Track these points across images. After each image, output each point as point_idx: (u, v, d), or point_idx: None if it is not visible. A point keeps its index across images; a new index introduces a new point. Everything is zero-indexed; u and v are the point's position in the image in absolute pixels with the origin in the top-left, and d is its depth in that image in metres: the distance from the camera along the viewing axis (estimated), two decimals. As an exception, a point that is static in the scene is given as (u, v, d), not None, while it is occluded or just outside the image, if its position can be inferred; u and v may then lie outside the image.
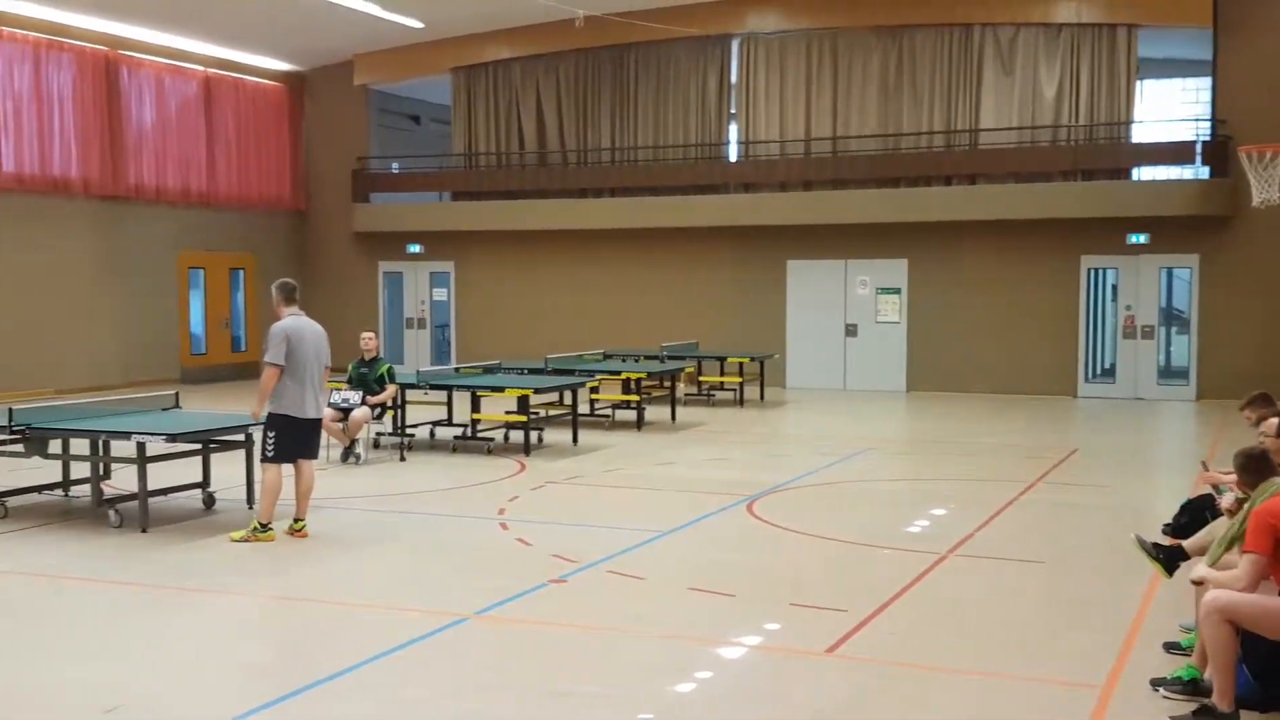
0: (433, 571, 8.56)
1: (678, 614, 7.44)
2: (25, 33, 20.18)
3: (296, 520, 9.42)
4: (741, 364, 20.01)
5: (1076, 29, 20.72)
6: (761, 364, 20.18)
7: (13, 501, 10.47)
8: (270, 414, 9.22)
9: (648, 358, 19.45)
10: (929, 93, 21.69)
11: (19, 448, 10.16)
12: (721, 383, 19.91)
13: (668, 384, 17.99)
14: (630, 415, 16.78)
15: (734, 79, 23.27)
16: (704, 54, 23.28)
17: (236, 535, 9.23)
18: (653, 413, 17.36)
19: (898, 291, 21.90)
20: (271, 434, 9.19)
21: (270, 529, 9.17)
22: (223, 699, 5.91)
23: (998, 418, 18.04)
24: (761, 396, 20.11)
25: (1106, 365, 21.63)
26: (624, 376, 17.01)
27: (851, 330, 22.26)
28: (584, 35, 21.91)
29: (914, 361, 21.82)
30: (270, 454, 9.20)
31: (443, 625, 7.06)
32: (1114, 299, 21.14)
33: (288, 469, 9.37)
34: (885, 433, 16.97)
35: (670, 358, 19.17)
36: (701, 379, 20.13)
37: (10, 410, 10.02)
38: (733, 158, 23.52)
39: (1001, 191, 20.86)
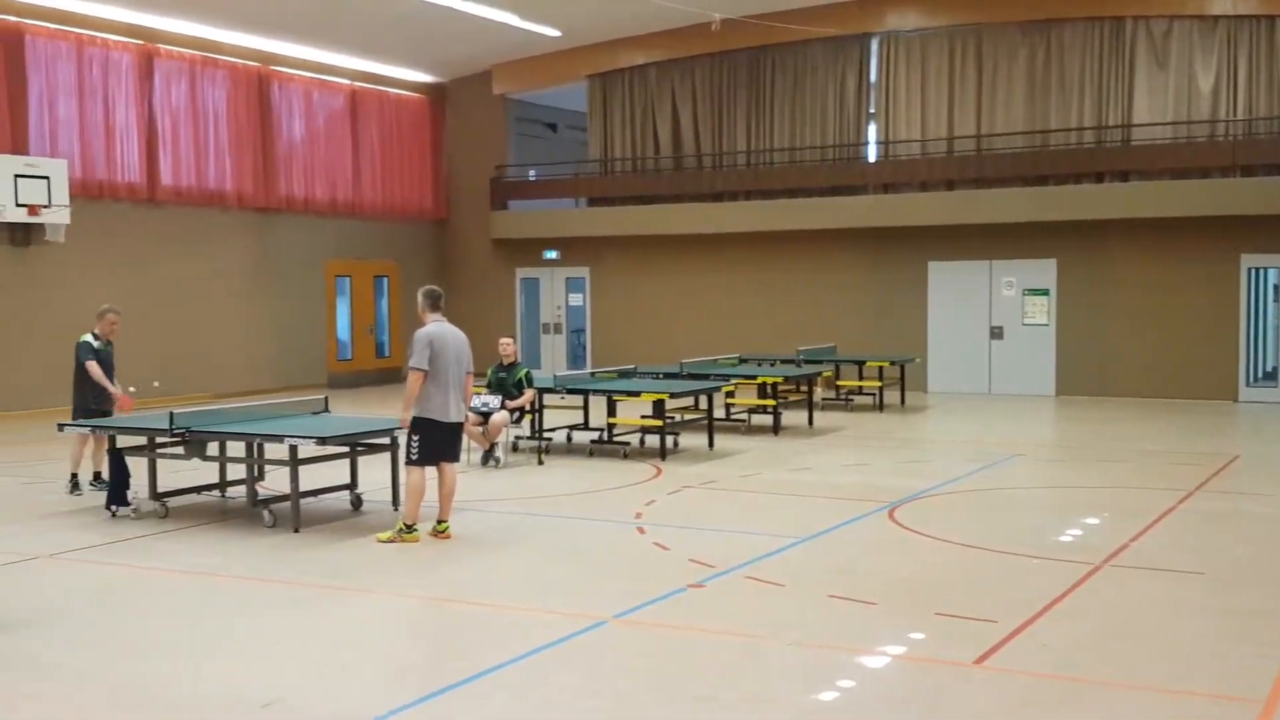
0: (571, 574, 8.60)
1: (819, 621, 7.33)
2: (182, 50, 21.01)
3: (440, 522, 9.56)
4: (881, 368, 19.71)
5: (1233, 21, 19.90)
6: (902, 368, 19.84)
7: (173, 502, 10.89)
8: (414, 418, 9.38)
9: (784, 361, 19.29)
10: (1078, 88, 21.08)
11: (179, 450, 10.56)
12: (860, 387, 19.63)
13: (804, 388, 17.81)
14: (766, 420, 16.66)
15: (873, 78, 22.97)
16: (842, 54, 23.03)
17: (383, 536, 9.43)
18: (789, 417, 17.21)
19: (1046, 293, 21.31)
20: (415, 437, 9.36)
21: (415, 530, 9.33)
22: (370, 696, 6.02)
23: (1152, 423, 17.40)
24: (902, 401, 19.78)
25: (1269, 369, 20.70)
26: (760, 381, 16.90)
27: (997, 333, 21.74)
28: (720, 38, 21.88)
29: (1063, 365, 21.20)
30: (414, 457, 9.37)
31: (582, 628, 7.09)
32: (1276, 299, 20.21)
33: (431, 471, 9.52)
34: (1033, 438, 16.50)
35: (807, 361, 18.98)
36: (839, 383, 19.88)
37: (172, 414, 10.41)
38: (872, 158, 23.20)
39: (1157, 189, 20.13)
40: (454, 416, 9.48)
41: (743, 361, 19.39)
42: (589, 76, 25.19)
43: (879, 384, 19.40)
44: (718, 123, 24.31)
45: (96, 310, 11.94)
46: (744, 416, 16.98)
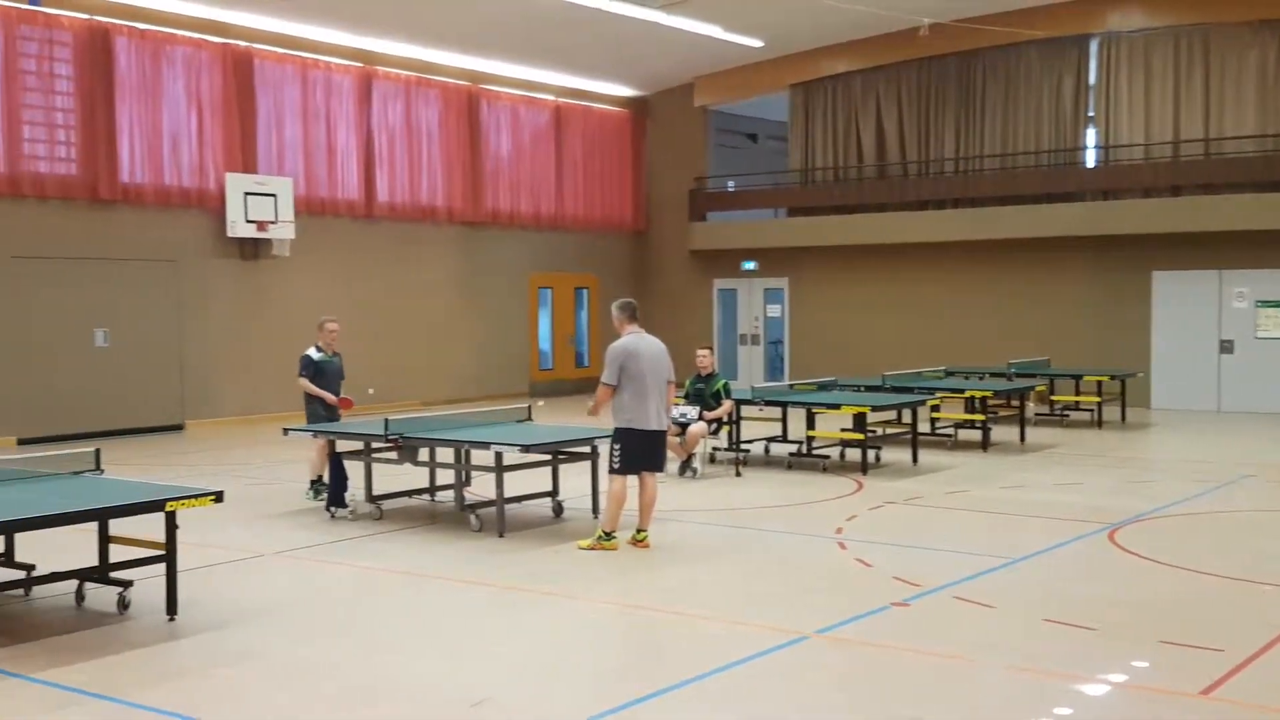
0: (770, 587, 8.52)
1: (1032, 646, 7.05)
2: (398, 72, 21.85)
3: (639, 531, 9.61)
4: (1100, 382, 18.86)
5: None
6: (1123, 382, 18.95)
7: (387, 504, 11.30)
8: (616, 427, 9.45)
9: (993, 375, 18.72)
10: (1313, 88, 19.83)
11: (393, 455, 10.94)
12: (1077, 402, 18.88)
13: (1016, 403, 17.23)
14: (974, 435, 16.18)
15: (1092, 81, 22.12)
16: (1058, 56, 22.26)
17: (584, 543, 9.53)
18: (999, 433, 16.67)
19: (1281, 305, 20.12)
20: (617, 446, 9.41)
21: (614, 537, 9.41)
22: (575, 699, 6.09)
23: (1397, 444, 16.16)
24: (1123, 418, 18.91)
25: None
26: (968, 395, 16.43)
27: (1227, 347, 20.59)
28: (927, 44, 21.43)
29: (1302, 381, 19.92)
30: (616, 465, 9.42)
31: (783, 642, 7.00)
32: None
33: (632, 480, 9.58)
34: (1269, 458, 15.43)
35: (1019, 375, 18.36)
36: (1054, 398, 19.15)
37: (386, 421, 10.80)
38: (1089, 163, 22.34)
39: None
40: (654, 425, 9.44)
41: (949, 374, 18.90)
42: (791, 86, 25.05)
43: (1097, 399, 18.60)
44: (924, 130, 23.83)
45: (316, 321, 12.42)
46: (950, 431, 16.53)
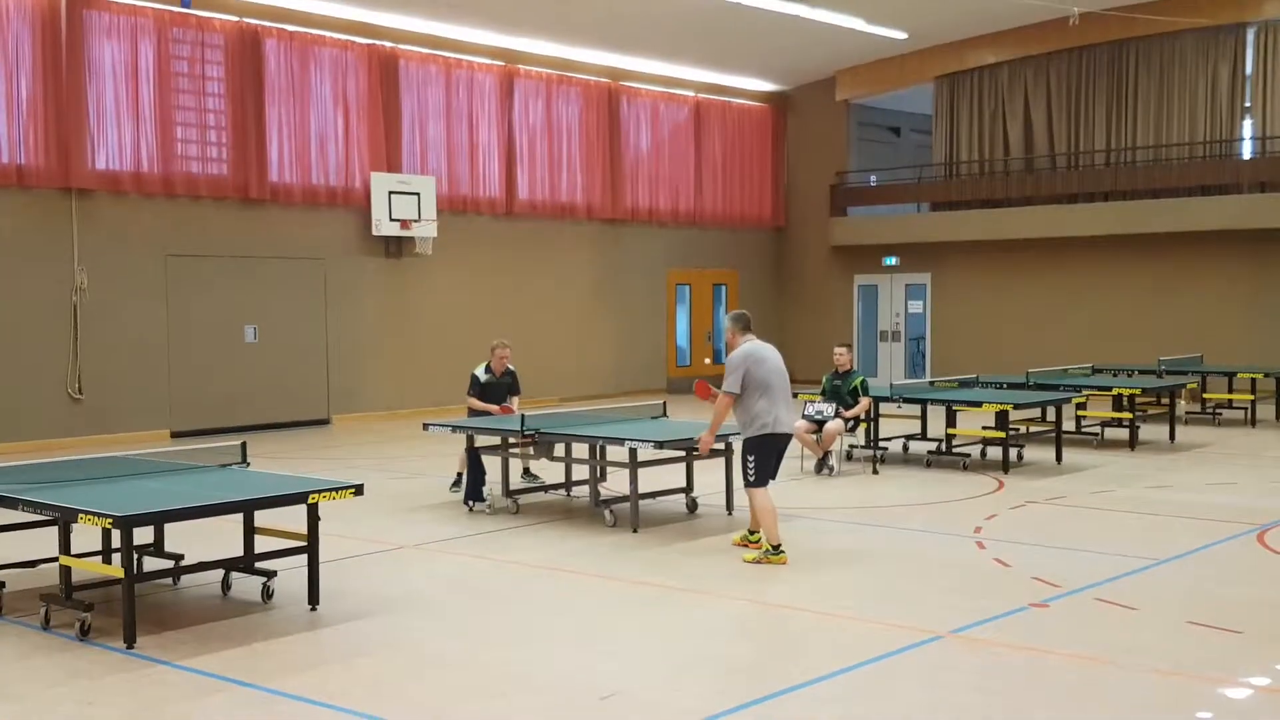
0: (905, 586, 8.38)
1: (1175, 649, 6.80)
2: (540, 70, 22.12)
3: (752, 532, 9.41)
4: (1254, 380, 18.10)
5: None
6: (1278, 380, 18.14)
7: (524, 499, 11.46)
8: (747, 439, 9.13)
9: (1142, 372, 18.09)
10: None
11: (530, 450, 11.09)
12: (1230, 400, 18.13)
13: (1166, 401, 16.62)
14: (1122, 434, 15.66)
15: (1249, 70, 21.21)
16: (1214, 45, 21.42)
17: (749, 557, 9.08)
18: (1148, 432, 16.12)
19: None
20: (751, 458, 9.05)
21: (781, 551, 8.95)
22: (705, 695, 6.08)
23: None
24: (1277, 416, 18.09)
25: None
26: (1115, 392, 15.91)
27: (1391, 343, 19.53)
28: (1078, 33, 20.86)
29: None
30: (752, 479, 9.03)
31: (916, 642, 6.89)
32: None
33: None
34: None
35: (1169, 372, 17.71)
36: (1206, 396, 18.42)
37: (523, 416, 10.96)
38: (1246, 155, 21.42)
39: None
40: (784, 428, 9.14)
41: (1096, 372, 18.33)
42: (936, 78, 24.60)
43: (1251, 397, 17.83)
44: (1074, 122, 23.16)
45: (486, 342, 12.68)
46: (1096, 430, 16.04)
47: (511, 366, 12.46)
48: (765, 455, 9.08)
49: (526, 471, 12.44)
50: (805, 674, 6.39)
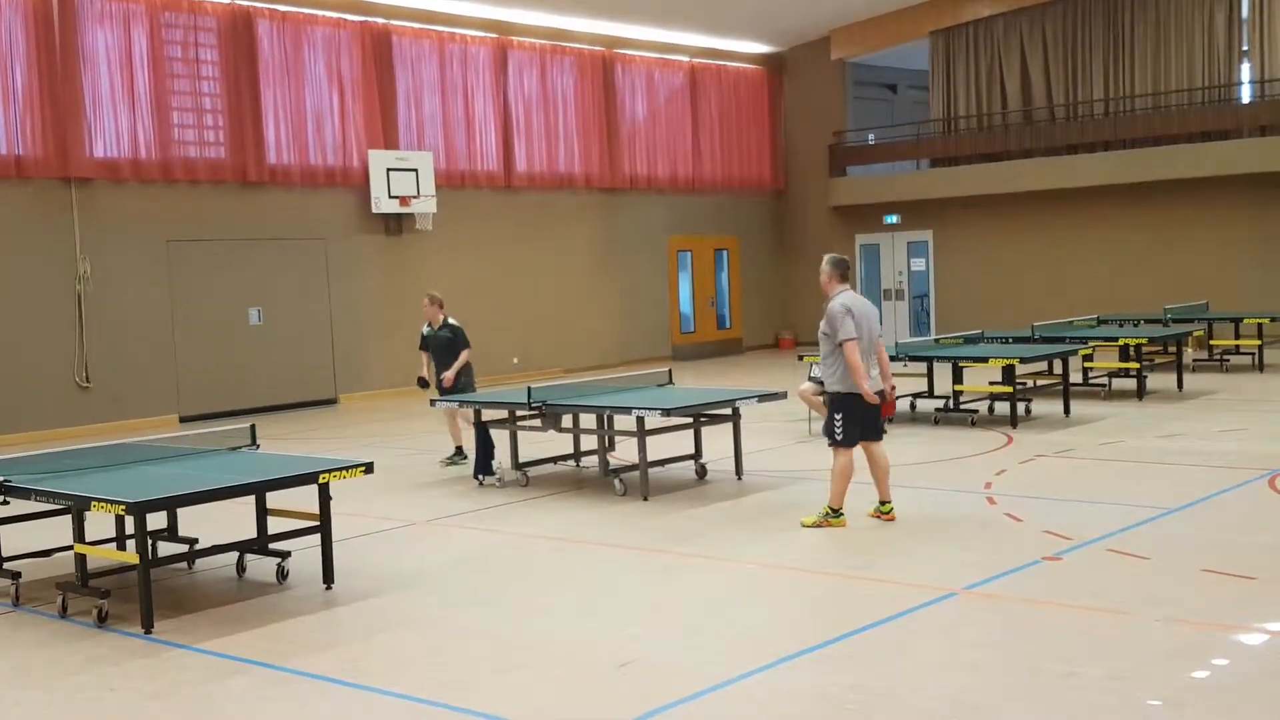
0: (917, 544, 8.39)
1: (1189, 597, 6.82)
2: (533, 41, 22.00)
3: (884, 503, 9.03)
4: (1261, 325, 18.07)
5: None
6: (1285, 325, 18.16)
7: (533, 471, 11.49)
8: (839, 394, 8.71)
9: (1148, 321, 18.06)
10: None
11: (537, 422, 11.11)
12: (1237, 346, 18.12)
13: (1172, 349, 16.60)
14: (1129, 384, 15.66)
15: (1244, 14, 21.07)
16: (1209, -11, 21.28)
17: (808, 520, 8.86)
18: (1155, 381, 16.11)
19: None
20: (839, 415, 8.68)
21: (841, 514, 8.77)
22: (721, 658, 6.11)
23: None
24: (1285, 361, 18.11)
25: None
26: (1121, 343, 15.89)
27: (1397, 284, 19.48)
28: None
29: None
30: (839, 437, 8.70)
31: (931, 599, 6.91)
32: None
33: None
34: None
35: (1175, 320, 17.69)
36: (1213, 343, 18.41)
37: (529, 389, 10.97)
38: (1245, 99, 21.30)
39: None
40: (875, 386, 8.77)
41: (1101, 323, 18.31)
42: (931, 33, 24.46)
43: (1258, 342, 17.82)
44: (1071, 72, 23.04)
45: (425, 293, 12.85)
46: (1104, 381, 16.03)
47: (453, 320, 12.42)
48: (853, 414, 8.69)
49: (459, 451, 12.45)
50: (820, 635, 6.42)
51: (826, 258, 8.98)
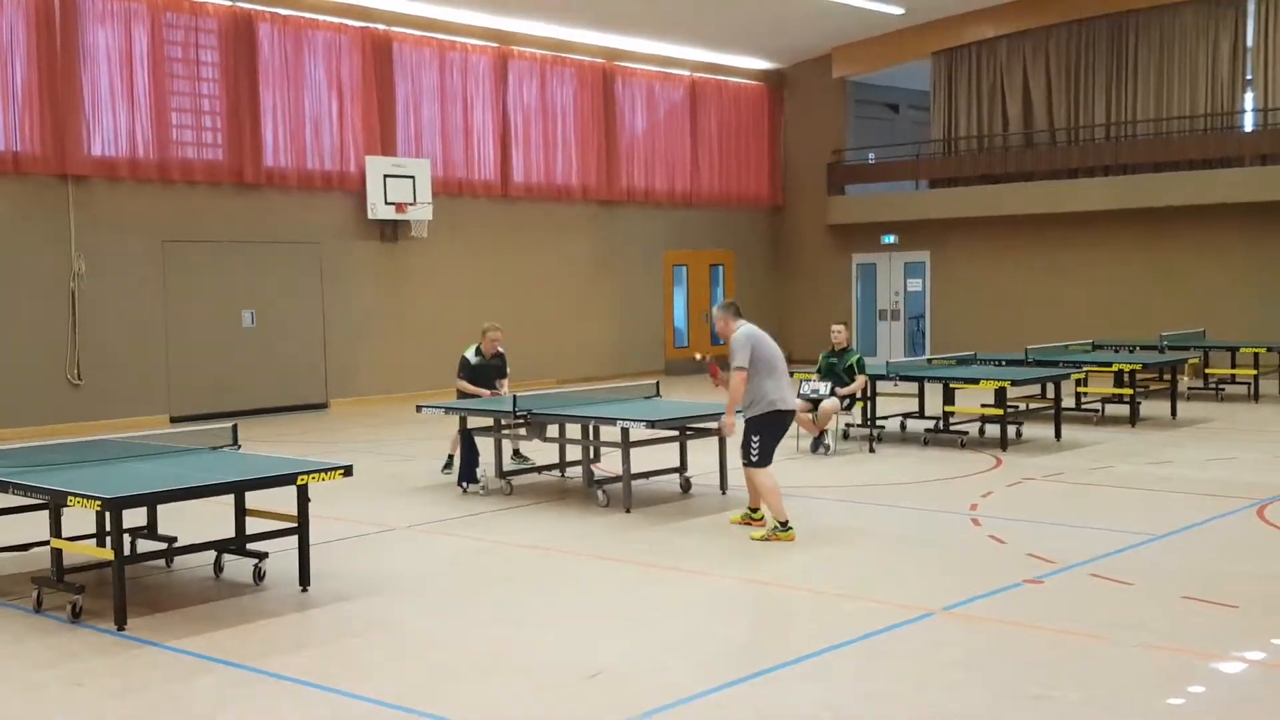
0: (899, 564, 8.35)
1: (1169, 624, 6.77)
2: (533, 51, 22.01)
3: (754, 510, 9.39)
4: (1257, 355, 18.02)
5: None
6: (1280, 355, 18.12)
7: (517, 480, 11.42)
8: (752, 417, 9.05)
9: (1144, 348, 18.02)
10: None
11: (520, 431, 11.05)
12: (1233, 376, 18.08)
13: (1167, 376, 16.56)
14: (1123, 410, 15.61)
15: (1249, 43, 21.10)
16: (1214, 17, 21.30)
17: (757, 535, 9.04)
18: (1149, 408, 16.07)
19: None
20: (755, 437, 8.98)
21: (790, 528, 8.91)
22: (694, 672, 6.06)
23: None
24: (1280, 391, 18.06)
25: None
26: (1115, 368, 15.84)
27: (1393, 317, 19.45)
28: (1077, 6, 20.75)
29: None
30: (755, 458, 8.98)
31: (909, 619, 6.85)
32: None
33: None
34: None
35: (1170, 348, 17.64)
36: (1208, 371, 18.36)
37: (515, 398, 10.92)
38: (1248, 127, 21.32)
39: None
40: (790, 405, 9.16)
41: (1097, 348, 18.27)
42: (933, 53, 24.46)
43: (1254, 372, 17.79)
44: (1073, 95, 23.03)
45: (481, 326, 12.52)
46: (1097, 407, 15.99)
47: (502, 349, 12.41)
48: (770, 434, 9.05)
49: (516, 453, 12.41)
50: (794, 652, 6.37)
51: (719, 306, 9.51)
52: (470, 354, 12.24)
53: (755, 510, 9.43)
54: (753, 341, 9.06)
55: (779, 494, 9.00)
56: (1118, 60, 22.47)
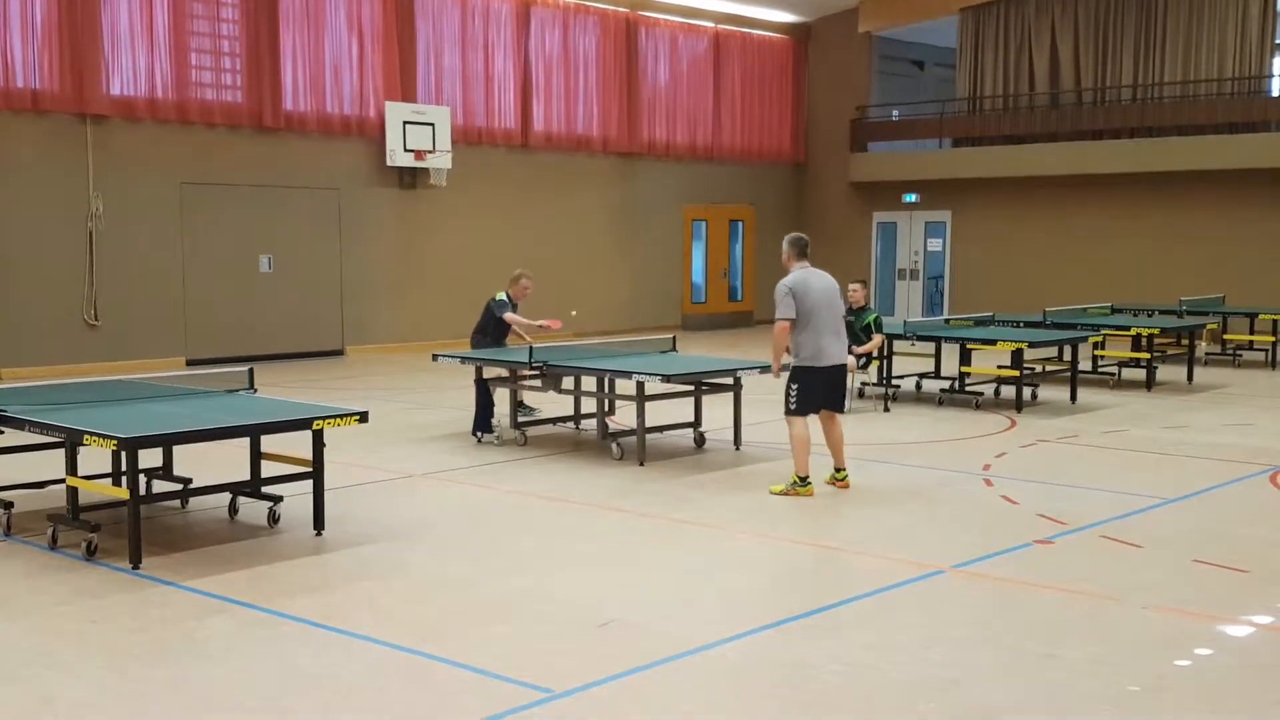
0: (910, 522, 8.36)
1: (1178, 586, 6.78)
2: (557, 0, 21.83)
3: (838, 470, 9.23)
4: (1276, 321, 17.94)
5: None
6: (1300, 322, 18.00)
7: (532, 431, 11.47)
8: (792, 367, 9.01)
9: (1163, 312, 17.93)
10: None
11: (538, 383, 11.07)
12: (1251, 341, 17.98)
13: (1185, 341, 16.49)
14: (1139, 374, 15.55)
15: (1279, 7, 20.79)
16: (1244, -21, 21.00)
17: (776, 489, 9.05)
18: (1166, 372, 16.01)
19: None
20: (794, 386, 8.95)
21: (809, 483, 8.95)
22: (703, 623, 6.10)
23: None
24: (1299, 358, 17.96)
25: None
26: (1134, 332, 15.77)
27: None
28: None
29: None
30: (793, 406, 8.94)
31: (917, 575, 6.88)
32: None
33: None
34: None
35: (1189, 312, 17.55)
36: (1227, 336, 18.27)
37: (531, 349, 10.93)
38: (1275, 92, 21.05)
39: None
40: (830, 360, 8.98)
41: (1115, 311, 18.18)
42: (961, 10, 24.18)
43: (1272, 338, 17.69)
44: (1101, 56, 22.77)
45: (511, 274, 12.31)
46: (1113, 370, 15.93)
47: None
48: (808, 386, 8.95)
49: (521, 404, 12.40)
50: (806, 605, 6.40)
51: (788, 238, 9.33)
52: (504, 296, 12.10)
53: (840, 471, 9.24)
54: (796, 293, 8.92)
55: (807, 448, 8.93)
56: (1146, 21, 22.20)
